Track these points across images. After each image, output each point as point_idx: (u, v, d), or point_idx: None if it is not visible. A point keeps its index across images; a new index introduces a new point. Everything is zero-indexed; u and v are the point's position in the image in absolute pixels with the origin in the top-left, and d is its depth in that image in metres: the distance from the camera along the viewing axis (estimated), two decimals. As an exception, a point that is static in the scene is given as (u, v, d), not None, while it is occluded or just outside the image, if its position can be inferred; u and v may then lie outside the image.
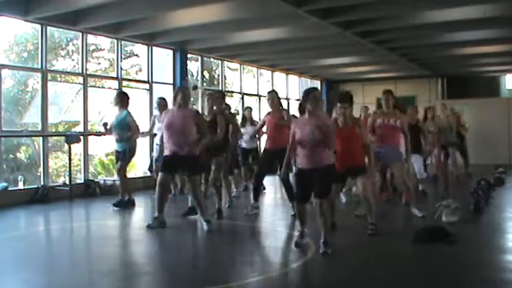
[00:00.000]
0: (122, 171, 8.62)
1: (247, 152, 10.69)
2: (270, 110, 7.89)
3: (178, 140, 6.56)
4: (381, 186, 9.03)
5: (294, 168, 6.42)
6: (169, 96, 9.18)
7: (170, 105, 8.44)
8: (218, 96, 7.97)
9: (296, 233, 5.84)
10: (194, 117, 6.72)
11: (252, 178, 8.81)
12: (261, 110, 15.60)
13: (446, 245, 5.63)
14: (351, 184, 9.03)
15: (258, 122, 10.59)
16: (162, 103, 9.26)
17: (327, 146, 5.47)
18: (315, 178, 5.43)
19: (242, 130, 10.67)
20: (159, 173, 6.77)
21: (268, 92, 8.14)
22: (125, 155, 8.56)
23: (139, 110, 11.76)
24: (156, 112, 9.53)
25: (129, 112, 8.63)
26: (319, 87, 19.62)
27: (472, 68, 17.13)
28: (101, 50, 13.22)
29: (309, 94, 5.59)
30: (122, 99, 8.72)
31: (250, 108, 11.57)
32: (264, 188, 10.60)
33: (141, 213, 8.61)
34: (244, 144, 10.70)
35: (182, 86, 7.48)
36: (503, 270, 4.99)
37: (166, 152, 6.68)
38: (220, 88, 14.87)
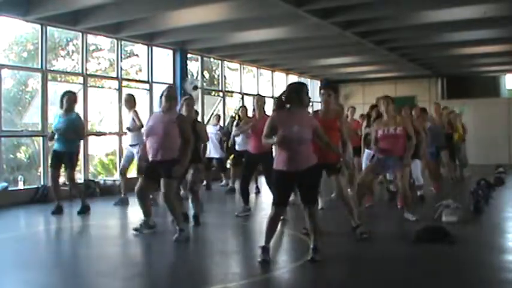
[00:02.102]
0: (73, 177, 8.30)
1: (241, 154, 10.23)
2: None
3: (159, 146, 6.10)
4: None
5: None
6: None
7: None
8: (193, 102, 7.68)
9: (258, 249, 5.12)
10: (177, 122, 6.18)
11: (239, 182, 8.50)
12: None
13: (446, 245, 5.63)
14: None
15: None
16: (127, 99, 8.92)
17: (321, 142, 5.20)
18: (301, 182, 5.05)
19: (235, 131, 10.54)
20: (140, 178, 6.47)
21: (254, 96, 8.14)
22: (71, 159, 8.10)
23: (140, 110, 11.75)
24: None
25: (78, 114, 8.33)
26: (318, 87, 19.64)
27: (472, 68, 17.15)
28: (100, 50, 13.21)
29: (303, 88, 5.20)
30: (75, 101, 8.25)
31: (246, 108, 11.38)
32: (259, 192, 10.54)
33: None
34: (237, 146, 10.43)
35: (169, 86, 6.92)
36: (503, 270, 4.99)
37: (149, 158, 6.28)
38: (220, 88, 14.91)
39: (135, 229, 6.51)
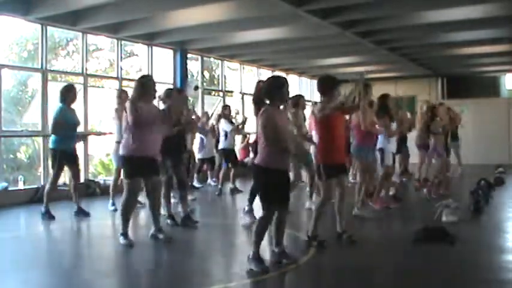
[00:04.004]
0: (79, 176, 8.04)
1: (228, 153, 10.35)
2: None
3: (156, 141, 5.91)
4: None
5: None
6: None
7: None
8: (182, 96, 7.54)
9: (249, 256, 4.85)
10: (161, 115, 6.12)
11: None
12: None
13: (446, 245, 5.63)
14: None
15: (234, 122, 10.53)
16: (124, 96, 8.13)
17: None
18: (286, 180, 4.93)
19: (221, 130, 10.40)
20: (129, 180, 5.87)
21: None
22: (77, 157, 7.90)
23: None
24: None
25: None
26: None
27: (472, 68, 17.15)
28: (100, 50, 13.22)
29: (285, 83, 4.86)
30: (76, 94, 7.88)
31: (228, 107, 11.06)
32: (240, 190, 10.43)
33: (141, 213, 8.61)
34: (223, 145, 10.31)
35: (141, 76, 6.39)
36: (503, 270, 4.99)
37: (136, 153, 5.79)
38: (220, 88, 14.91)
39: (129, 244, 5.96)
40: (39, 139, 10.14)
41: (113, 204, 8.37)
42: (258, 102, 4.94)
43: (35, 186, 9.73)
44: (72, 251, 6.18)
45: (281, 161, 4.78)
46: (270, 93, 4.81)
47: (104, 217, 8.14)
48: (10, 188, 9.37)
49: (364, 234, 6.30)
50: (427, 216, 7.12)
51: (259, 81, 7.44)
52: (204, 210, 8.85)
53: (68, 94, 7.68)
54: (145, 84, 5.96)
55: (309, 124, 7.20)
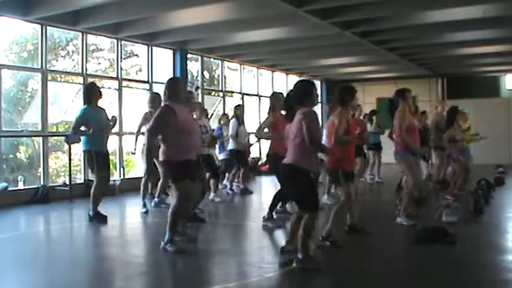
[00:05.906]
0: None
1: (242, 154, 10.42)
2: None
3: (196, 142, 5.78)
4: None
5: None
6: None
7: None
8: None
9: (300, 257, 4.86)
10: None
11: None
12: (261, 110, 15.63)
13: (446, 245, 5.62)
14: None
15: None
16: (158, 99, 7.61)
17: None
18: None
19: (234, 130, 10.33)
20: (181, 183, 5.53)
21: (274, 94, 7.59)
22: (109, 160, 7.71)
23: (140, 110, 11.75)
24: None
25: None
26: (319, 87, 19.66)
27: (472, 68, 17.16)
28: (101, 50, 13.21)
29: (314, 87, 4.98)
30: (100, 91, 7.62)
31: (242, 106, 11.04)
32: (252, 192, 10.53)
33: (140, 214, 8.61)
34: (233, 146, 10.32)
35: (170, 78, 6.04)
36: (503, 270, 4.99)
37: (184, 157, 5.51)
38: (220, 88, 14.91)
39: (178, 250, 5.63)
40: (39, 139, 10.13)
41: (144, 205, 8.29)
42: (290, 107, 5.06)
43: (35, 186, 9.73)
44: (72, 250, 6.17)
45: (315, 163, 4.95)
46: (301, 99, 4.92)
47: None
48: (10, 188, 9.36)
49: (364, 234, 6.29)
50: (427, 216, 7.11)
51: (274, 93, 7.48)
52: (211, 210, 8.84)
53: (91, 92, 7.46)
54: (178, 85, 5.73)
55: (328, 127, 6.87)
